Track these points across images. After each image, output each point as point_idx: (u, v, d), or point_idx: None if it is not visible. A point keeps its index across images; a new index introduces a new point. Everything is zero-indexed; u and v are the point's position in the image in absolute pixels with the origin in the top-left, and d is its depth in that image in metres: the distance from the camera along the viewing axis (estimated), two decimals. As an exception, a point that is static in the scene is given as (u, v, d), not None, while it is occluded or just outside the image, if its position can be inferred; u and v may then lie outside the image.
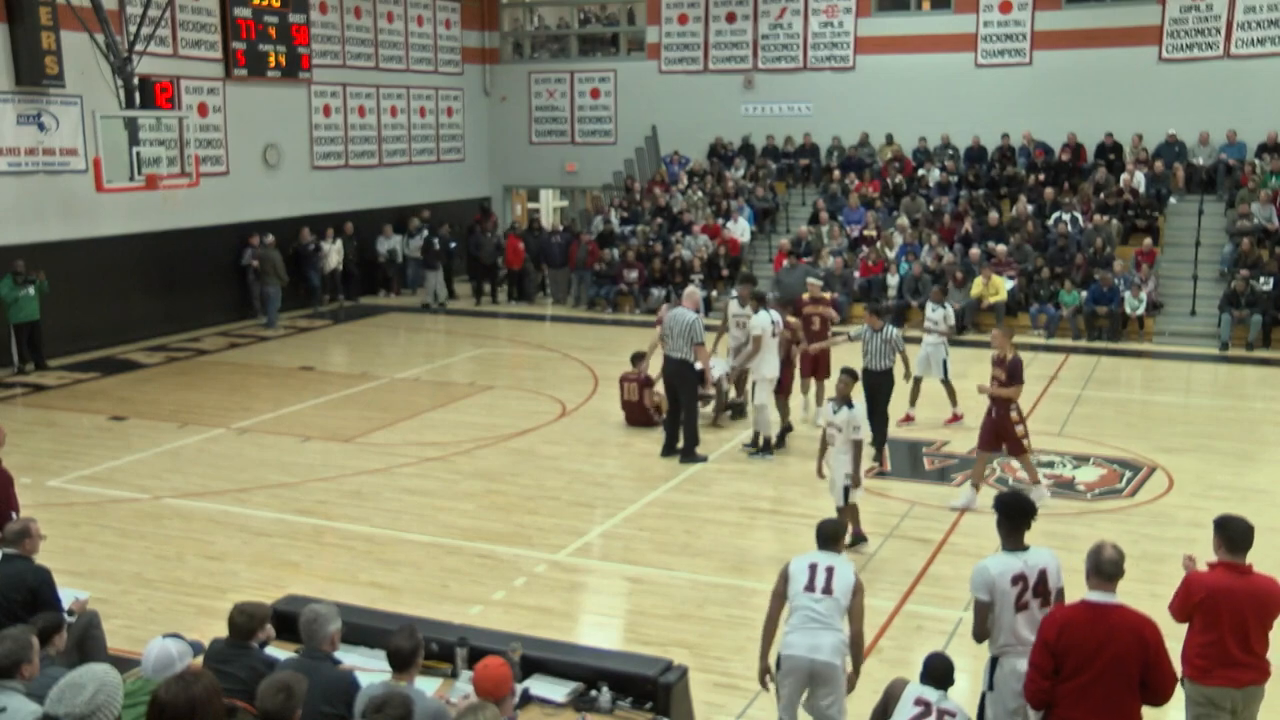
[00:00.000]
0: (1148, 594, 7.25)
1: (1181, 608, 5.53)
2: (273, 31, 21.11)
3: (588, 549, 9.80)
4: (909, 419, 13.48)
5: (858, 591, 5.94)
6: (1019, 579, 5.42)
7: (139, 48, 16.62)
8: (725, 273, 21.43)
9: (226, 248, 20.58)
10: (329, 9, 22.76)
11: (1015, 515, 5.56)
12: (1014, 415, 10.53)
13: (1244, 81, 21.39)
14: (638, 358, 13.77)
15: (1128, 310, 18.90)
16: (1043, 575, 5.45)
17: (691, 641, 7.83)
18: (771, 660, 6.04)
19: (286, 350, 18.71)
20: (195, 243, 19.79)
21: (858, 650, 5.99)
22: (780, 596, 6.06)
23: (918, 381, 13.50)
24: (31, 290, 16.36)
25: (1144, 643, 4.93)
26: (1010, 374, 10.49)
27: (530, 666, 5.72)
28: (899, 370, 12.26)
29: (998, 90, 23.18)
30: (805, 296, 13.89)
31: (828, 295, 14.24)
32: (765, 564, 9.27)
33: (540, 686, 5.61)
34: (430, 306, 22.63)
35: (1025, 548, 5.53)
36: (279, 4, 21.16)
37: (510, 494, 11.18)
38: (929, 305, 14.05)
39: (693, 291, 12.91)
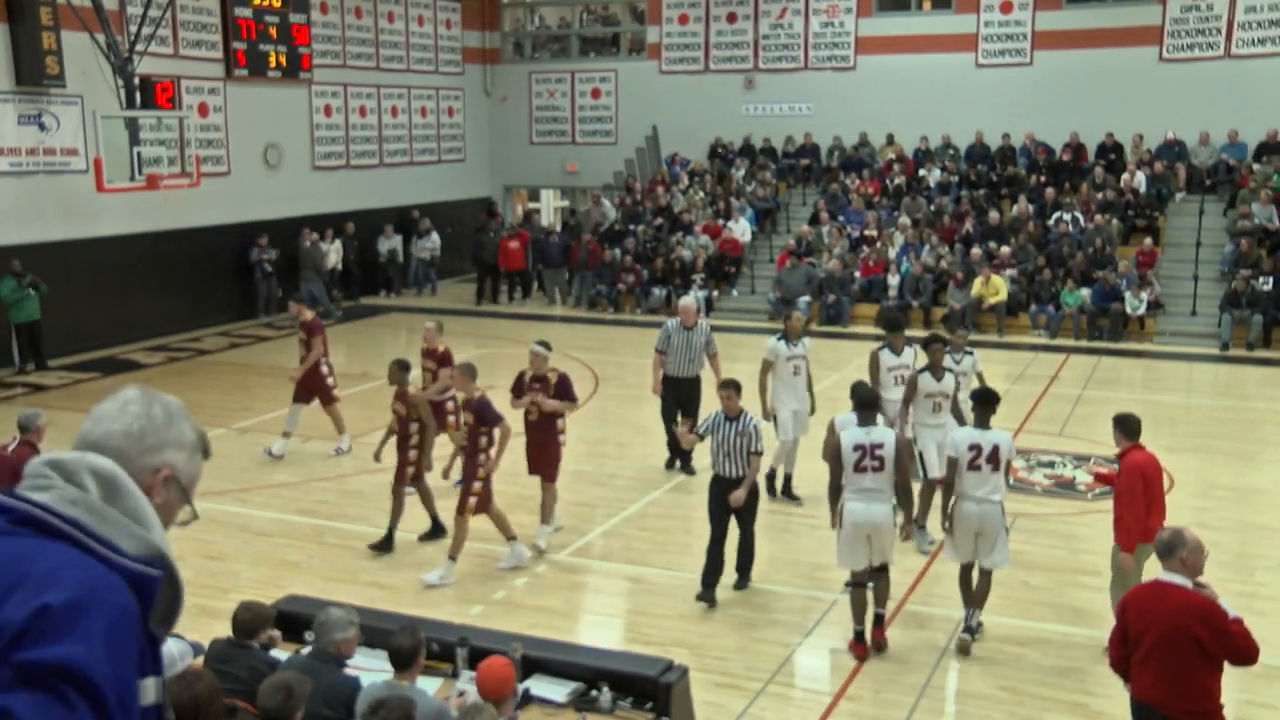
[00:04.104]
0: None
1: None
2: (273, 31, 21.11)
3: (588, 549, 9.81)
4: None
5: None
6: (974, 446, 7.53)
7: (140, 48, 16.62)
8: (730, 270, 21.43)
9: (227, 248, 20.59)
10: (330, 9, 22.76)
11: (984, 402, 7.73)
12: (484, 446, 9.00)
13: (1244, 81, 21.38)
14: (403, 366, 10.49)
15: (1128, 310, 18.90)
16: (995, 448, 7.52)
17: (692, 641, 7.83)
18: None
19: (287, 350, 18.64)
20: (196, 243, 19.79)
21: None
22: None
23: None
24: (32, 290, 16.38)
25: (1201, 623, 4.93)
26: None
27: (531, 666, 5.71)
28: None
29: (998, 90, 23.16)
30: (529, 373, 9.78)
31: (552, 375, 9.73)
32: (765, 564, 9.27)
33: (541, 686, 5.61)
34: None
35: (989, 428, 7.62)
36: (280, 4, 21.15)
37: (511, 494, 11.15)
38: (950, 356, 9.79)
39: (687, 304, 11.82)
